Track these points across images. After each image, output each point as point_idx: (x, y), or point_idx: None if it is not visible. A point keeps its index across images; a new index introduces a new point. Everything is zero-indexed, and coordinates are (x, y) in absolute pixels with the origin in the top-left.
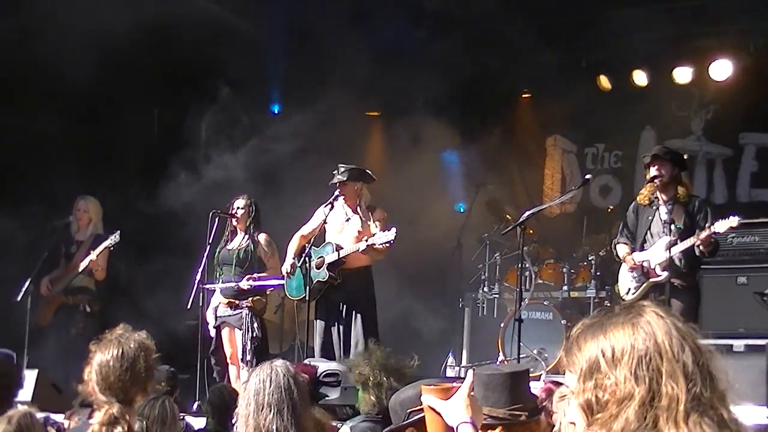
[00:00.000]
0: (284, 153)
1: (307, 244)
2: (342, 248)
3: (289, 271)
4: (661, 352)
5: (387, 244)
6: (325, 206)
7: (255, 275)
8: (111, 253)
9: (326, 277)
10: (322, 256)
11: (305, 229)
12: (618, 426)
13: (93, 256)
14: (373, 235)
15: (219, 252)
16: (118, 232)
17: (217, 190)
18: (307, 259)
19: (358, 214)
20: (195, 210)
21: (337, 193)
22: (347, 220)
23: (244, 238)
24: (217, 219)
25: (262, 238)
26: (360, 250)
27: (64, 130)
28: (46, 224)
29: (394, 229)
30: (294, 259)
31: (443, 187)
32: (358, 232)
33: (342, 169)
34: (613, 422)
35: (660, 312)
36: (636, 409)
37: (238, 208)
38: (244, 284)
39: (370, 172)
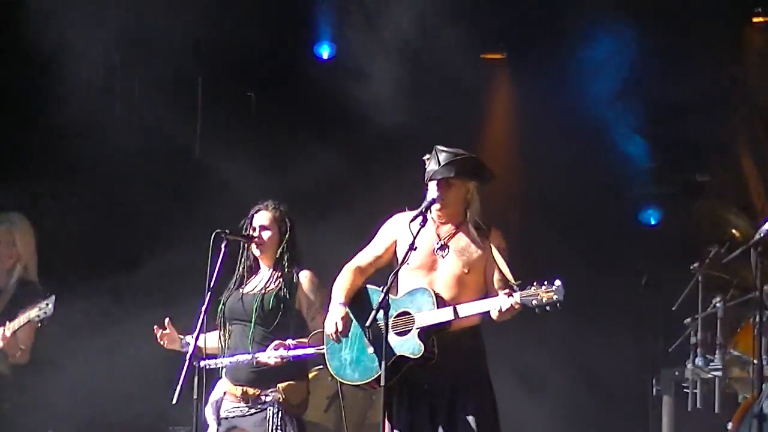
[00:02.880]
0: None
1: (373, 287)
2: (445, 302)
3: (338, 331)
4: None
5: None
6: (412, 220)
7: (289, 342)
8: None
9: (420, 353)
10: (408, 313)
11: (364, 257)
12: None
13: (7, 332)
14: (505, 287)
15: (226, 301)
16: (53, 298)
17: (225, 192)
18: (382, 313)
19: (469, 237)
20: (189, 227)
21: (433, 198)
22: (441, 248)
23: (271, 277)
24: (224, 245)
25: (303, 277)
26: (479, 313)
27: None
28: None
29: (559, 285)
30: (346, 309)
31: (615, 181)
32: (464, 273)
33: (444, 156)
34: None
35: None
36: None
37: (260, 226)
38: (269, 357)
39: (489, 170)
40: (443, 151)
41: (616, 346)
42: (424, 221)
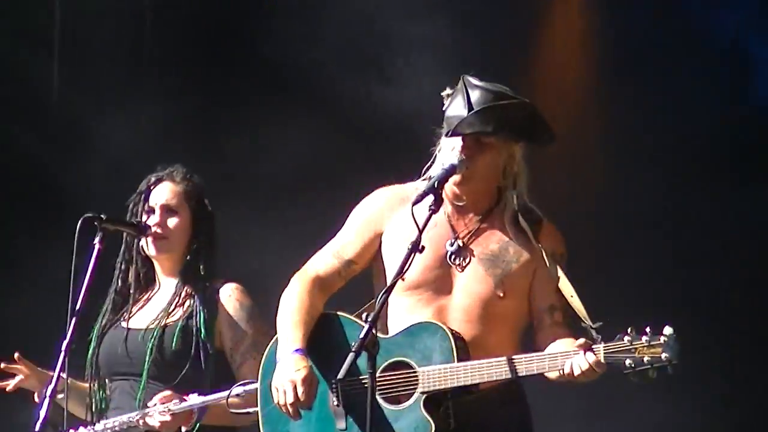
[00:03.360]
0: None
1: (347, 316)
2: (460, 341)
3: (297, 401)
4: None
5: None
6: (416, 201)
7: (194, 398)
8: None
9: (430, 428)
10: (407, 365)
11: (327, 261)
12: None
13: None
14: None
15: (100, 340)
16: None
17: (102, 159)
18: (364, 362)
19: (505, 233)
20: (48, 212)
21: (452, 164)
22: (458, 252)
23: (176, 296)
24: (98, 239)
25: (226, 296)
26: (532, 375)
27: None
28: None
29: (670, 335)
30: (308, 363)
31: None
32: (498, 296)
33: (479, 96)
34: None
35: None
36: None
37: (162, 207)
38: (155, 415)
39: (546, 124)
40: (477, 86)
41: None
42: (437, 204)
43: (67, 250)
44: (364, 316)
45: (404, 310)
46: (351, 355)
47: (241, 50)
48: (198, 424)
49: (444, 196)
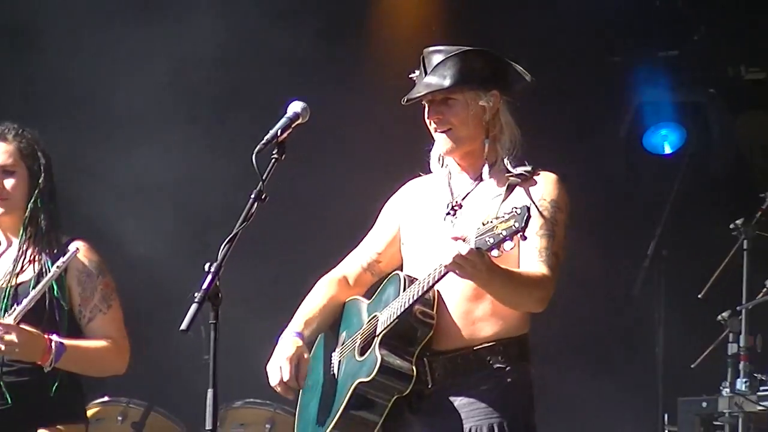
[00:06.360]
0: None
1: (358, 298)
2: (410, 280)
3: (282, 380)
4: None
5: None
6: (259, 150)
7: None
8: None
9: (373, 370)
10: (376, 315)
11: (355, 259)
12: None
13: None
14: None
15: None
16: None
17: None
18: (340, 332)
19: (495, 189)
20: None
21: (295, 111)
22: (452, 211)
23: (21, 255)
24: None
25: (78, 251)
26: (439, 276)
27: None
28: None
29: (523, 207)
30: (300, 342)
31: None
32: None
33: (435, 58)
34: None
35: None
36: None
37: None
38: None
39: (519, 68)
40: (433, 50)
41: (598, 365)
42: (280, 152)
43: None
44: (207, 266)
45: (408, 268)
46: (193, 306)
47: None
48: (53, 365)
49: (446, 165)
